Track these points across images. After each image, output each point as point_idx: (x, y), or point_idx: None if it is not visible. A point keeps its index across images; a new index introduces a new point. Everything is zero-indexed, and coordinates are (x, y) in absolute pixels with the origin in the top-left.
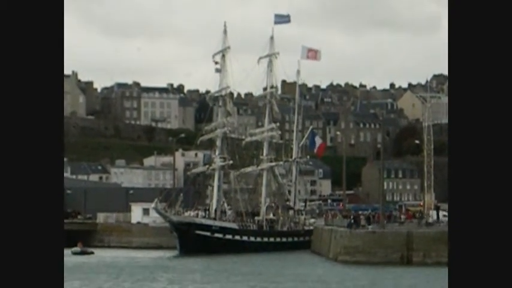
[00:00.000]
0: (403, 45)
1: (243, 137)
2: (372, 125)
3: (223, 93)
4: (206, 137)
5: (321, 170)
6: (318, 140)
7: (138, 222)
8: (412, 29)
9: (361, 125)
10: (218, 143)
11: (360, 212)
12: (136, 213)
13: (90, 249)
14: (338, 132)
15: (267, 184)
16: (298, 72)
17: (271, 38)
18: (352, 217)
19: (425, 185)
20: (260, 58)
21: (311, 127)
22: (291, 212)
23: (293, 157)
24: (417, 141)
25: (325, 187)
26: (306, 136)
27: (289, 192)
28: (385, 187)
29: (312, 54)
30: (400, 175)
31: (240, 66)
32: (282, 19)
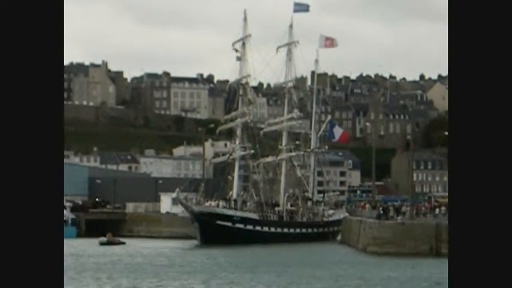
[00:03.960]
0: (434, 36)
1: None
2: (402, 116)
3: (243, 81)
4: (226, 126)
5: (350, 161)
6: (338, 130)
7: (167, 212)
8: (446, 19)
9: (391, 116)
10: (238, 132)
11: (389, 203)
12: (166, 203)
13: (119, 239)
14: (368, 123)
15: (286, 174)
16: (317, 61)
17: (290, 26)
18: (381, 208)
19: None
20: (279, 47)
21: (329, 117)
22: (309, 203)
23: (311, 147)
24: (447, 133)
25: (355, 178)
26: (323, 126)
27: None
28: (414, 178)
29: (329, 42)
30: (430, 166)
31: (260, 55)
32: (301, 7)
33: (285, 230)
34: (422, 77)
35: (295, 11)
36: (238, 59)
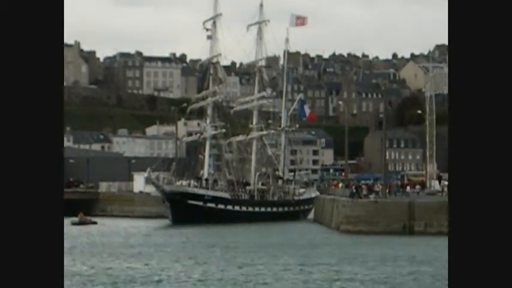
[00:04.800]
0: (407, 15)
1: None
2: (374, 95)
3: (214, 60)
4: (196, 105)
5: (323, 140)
6: (307, 108)
7: (140, 192)
8: None
9: (364, 95)
10: (209, 111)
11: (362, 182)
12: (139, 183)
13: (91, 219)
14: (340, 102)
15: (257, 153)
16: (287, 40)
17: (261, 5)
18: (354, 187)
19: (428, 154)
20: (249, 25)
21: (299, 96)
22: (280, 182)
23: (281, 126)
24: (419, 111)
25: (327, 157)
26: (294, 105)
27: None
28: (387, 157)
29: (300, 21)
30: (402, 145)
31: (231, 34)
32: None
33: (256, 209)
34: (395, 55)
35: None
36: (209, 37)
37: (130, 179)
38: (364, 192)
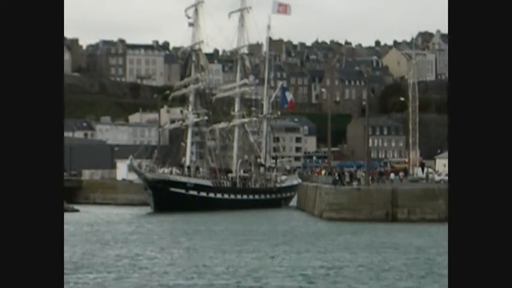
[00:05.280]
0: (390, 2)
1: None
2: (357, 82)
3: (196, 48)
4: (179, 92)
5: (306, 127)
6: (289, 95)
7: (123, 179)
8: None
9: (346, 82)
10: (191, 98)
11: (345, 169)
12: (122, 170)
13: (73, 207)
14: (323, 89)
15: (239, 140)
16: (269, 27)
17: None
18: (337, 174)
19: (410, 142)
20: (231, 13)
21: (281, 83)
22: (262, 169)
23: (263, 113)
24: (402, 99)
25: (310, 144)
26: (276, 92)
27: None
28: (370, 144)
29: (283, 8)
30: (385, 132)
31: (213, 21)
32: None
33: (238, 196)
34: (377, 43)
35: None
36: (191, 25)
37: (113, 166)
38: (347, 179)
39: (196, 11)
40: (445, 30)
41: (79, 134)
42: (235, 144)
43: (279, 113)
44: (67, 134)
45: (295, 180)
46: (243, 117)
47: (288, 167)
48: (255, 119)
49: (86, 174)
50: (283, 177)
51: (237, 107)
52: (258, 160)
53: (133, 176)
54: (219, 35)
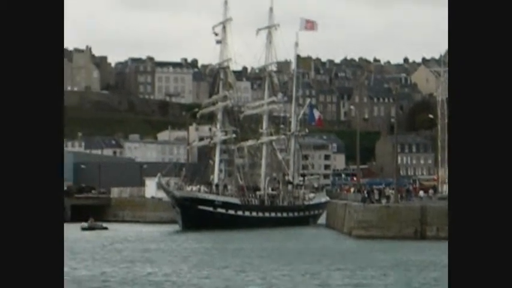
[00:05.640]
0: (418, 19)
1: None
2: (386, 100)
3: (224, 65)
4: (206, 110)
5: (334, 145)
6: (316, 113)
7: (152, 197)
8: (435, 2)
9: (375, 100)
10: (219, 116)
11: (374, 187)
12: (150, 188)
13: (102, 224)
14: (352, 107)
15: (267, 158)
16: (296, 44)
17: (271, 9)
18: (366, 191)
19: (439, 159)
20: (259, 30)
21: (309, 100)
22: (290, 187)
23: (291, 131)
24: (431, 116)
25: (339, 161)
26: (303, 109)
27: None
28: (399, 161)
29: (310, 25)
30: (414, 149)
31: (241, 39)
32: None
33: (266, 214)
34: (406, 60)
35: None
36: (218, 42)
37: (142, 184)
38: (376, 197)
39: (224, 28)
40: None
41: (108, 152)
42: (263, 162)
43: (306, 130)
44: (96, 152)
45: (323, 198)
46: (271, 134)
47: (315, 185)
48: (283, 136)
49: (115, 191)
50: (311, 195)
51: (265, 124)
52: (286, 178)
53: (162, 194)
54: (247, 52)
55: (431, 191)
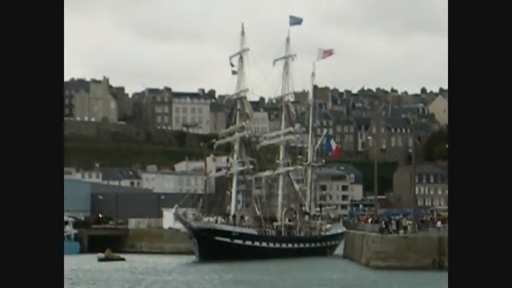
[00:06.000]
0: (436, 49)
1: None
2: (403, 130)
3: (241, 95)
4: (223, 141)
5: (352, 175)
6: (333, 143)
7: (170, 228)
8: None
9: (393, 130)
10: (236, 147)
11: (392, 217)
12: (168, 219)
13: (118, 255)
14: (369, 137)
15: (283, 188)
16: (313, 74)
17: (287, 39)
18: (384, 222)
19: None
20: (275, 60)
21: (326, 131)
22: (306, 218)
23: (308, 161)
24: (447, 146)
25: (357, 192)
26: (320, 140)
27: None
28: (417, 192)
29: (327, 54)
30: (432, 180)
31: (258, 69)
32: (295, 20)
33: (283, 245)
34: (423, 90)
35: (291, 24)
36: (234, 73)
37: (160, 215)
38: (394, 227)
39: (241, 58)
40: None
41: (125, 183)
42: (280, 193)
43: (323, 161)
44: (113, 183)
45: (339, 229)
46: (288, 165)
47: (332, 215)
48: (300, 167)
49: (132, 222)
50: (328, 226)
51: (281, 155)
52: (303, 208)
53: (179, 225)
54: (264, 82)
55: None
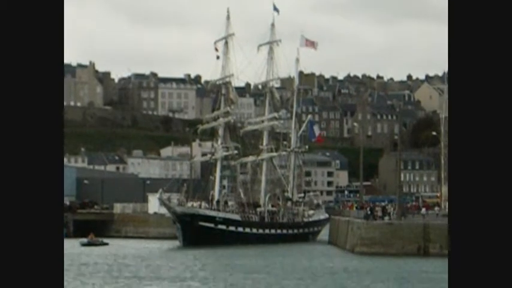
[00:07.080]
0: (422, 36)
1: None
2: (389, 117)
3: (226, 80)
4: (207, 126)
5: (338, 161)
6: (317, 129)
7: (155, 213)
8: (439, 19)
9: (378, 117)
10: (221, 132)
11: (377, 204)
12: (153, 204)
13: (102, 240)
14: (355, 124)
15: (267, 174)
16: (297, 60)
17: (272, 25)
18: (369, 208)
19: (442, 176)
20: (260, 45)
21: (309, 117)
22: (289, 203)
23: (291, 147)
24: (434, 133)
25: (342, 178)
26: (303, 126)
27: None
28: (402, 178)
29: (310, 43)
30: (417, 167)
31: (243, 54)
32: (275, 8)
33: (266, 230)
34: (409, 77)
35: (276, 10)
36: (218, 58)
37: (145, 200)
38: (379, 214)
39: (226, 43)
40: None
41: (111, 168)
42: (263, 179)
43: (307, 147)
44: (99, 168)
45: (322, 215)
46: (272, 151)
47: (316, 201)
48: (283, 153)
49: (118, 207)
50: (311, 212)
51: (265, 140)
52: (286, 194)
53: (165, 210)
54: (248, 68)
55: (437, 208)
